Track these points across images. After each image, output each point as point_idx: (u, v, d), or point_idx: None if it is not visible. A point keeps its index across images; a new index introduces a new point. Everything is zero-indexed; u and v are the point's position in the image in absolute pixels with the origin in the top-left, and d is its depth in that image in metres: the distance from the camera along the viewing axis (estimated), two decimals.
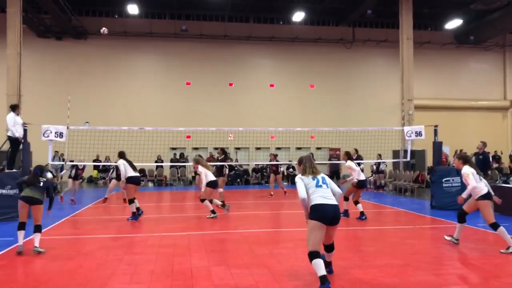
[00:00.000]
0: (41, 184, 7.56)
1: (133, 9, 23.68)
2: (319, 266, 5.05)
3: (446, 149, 22.87)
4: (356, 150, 16.10)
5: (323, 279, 4.98)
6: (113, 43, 25.72)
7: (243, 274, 5.93)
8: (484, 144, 13.29)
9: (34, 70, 24.03)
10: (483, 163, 13.05)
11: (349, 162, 11.10)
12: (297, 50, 27.40)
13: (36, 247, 7.25)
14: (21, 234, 7.35)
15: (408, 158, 14.50)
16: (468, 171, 7.41)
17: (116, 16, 26.31)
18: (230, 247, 7.70)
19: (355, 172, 10.89)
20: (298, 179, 5.45)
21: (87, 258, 6.93)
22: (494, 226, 7.28)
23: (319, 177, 5.48)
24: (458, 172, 11.46)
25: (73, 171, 14.34)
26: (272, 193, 16.50)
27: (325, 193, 5.32)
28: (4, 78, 18.05)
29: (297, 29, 26.89)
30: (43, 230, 7.79)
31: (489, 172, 15.59)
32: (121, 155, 11.17)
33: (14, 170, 11.23)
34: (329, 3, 25.15)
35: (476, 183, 7.35)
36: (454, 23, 25.94)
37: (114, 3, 25.05)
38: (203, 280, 5.67)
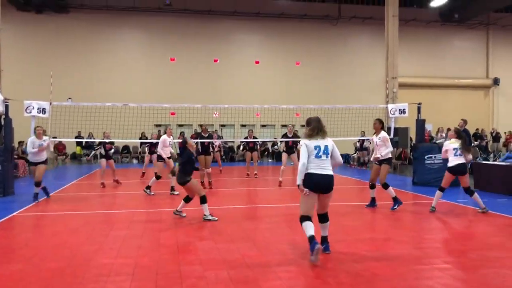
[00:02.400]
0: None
1: None
2: (308, 227, 5.38)
3: (429, 127, 23.22)
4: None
5: (311, 238, 5.29)
6: (95, 17, 25.17)
7: (229, 248, 6.02)
8: (465, 121, 13.55)
9: (14, 45, 23.42)
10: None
11: (383, 134, 9.06)
12: (283, 26, 27.17)
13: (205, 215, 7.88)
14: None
15: (392, 135, 14.64)
16: (447, 145, 8.64)
17: None
18: (216, 222, 7.78)
19: (388, 148, 8.95)
20: (303, 144, 5.55)
21: (73, 233, 6.94)
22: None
23: (323, 145, 5.53)
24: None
25: (102, 150, 13.19)
26: (248, 172, 15.75)
27: (322, 163, 5.48)
28: None
29: (283, 5, 26.62)
30: (27, 206, 7.75)
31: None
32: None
33: None
34: None
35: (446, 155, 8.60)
36: (439, 1, 25.92)
37: None
38: (190, 255, 5.75)
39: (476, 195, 8.44)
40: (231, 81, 26.28)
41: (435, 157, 12.71)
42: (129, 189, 12.61)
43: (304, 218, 5.46)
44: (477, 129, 25.04)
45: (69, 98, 21.42)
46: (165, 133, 11.90)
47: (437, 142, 16.65)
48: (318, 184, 5.45)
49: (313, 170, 5.44)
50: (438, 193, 8.75)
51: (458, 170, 8.40)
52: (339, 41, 27.99)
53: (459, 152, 8.38)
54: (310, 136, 5.61)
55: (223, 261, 5.45)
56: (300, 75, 26.52)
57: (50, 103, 11.97)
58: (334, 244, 5.93)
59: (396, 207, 8.80)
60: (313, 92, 26.48)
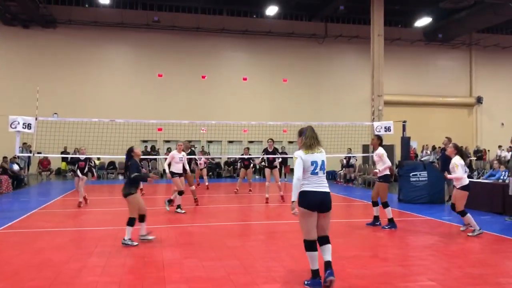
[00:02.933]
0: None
1: None
2: (312, 259, 5.03)
3: (414, 144, 23.49)
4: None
5: (314, 273, 5.03)
6: (83, 32, 25.16)
7: (215, 266, 5.99)
8: (449, 139, 13.77)
9: (0, 59, 23.27)
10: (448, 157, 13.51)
11: (379, 149, 9.01)
12: (270, 44, 27.46)
13: (142, 235, 7.49)
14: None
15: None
16: (458, 162, 8.19)
17: (87, 6, 25.69)
18: (202, 239, 7.73)
19: (385, 164, 8.87)
20: (298, 157, 5.06)
21: (57, 251, 6.84)
22: (462, 214, 8.13)
23: (320, 160, 5.11)
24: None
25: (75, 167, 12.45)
26: (237, 188, 15.37)
27: (319, 180, 5.08)
28: None
29: (270, 23, 26.94)
30: (10, 223, 7.63)
31: None
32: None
33: None
34: None
35: (462, 174, 8.13)
36: (423, 21, 26.57)
37: None
38: (175, 272, 5.70)
39: (469, 215, 8.12)
40: (218, 97, 26.37)
41: (420, 174, 12.84)
42: (115, 205, 12.48)
43: (309, 245, 5.03)
44: (461, 146, 25.39)
45: (55, 113, 21.33)
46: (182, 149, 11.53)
47: (422, 159, 16.84)
48: (316, 204, 5.01)
49: (309, 188, 5.01)
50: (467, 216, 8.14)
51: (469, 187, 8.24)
52: (325, 59, 28.35)
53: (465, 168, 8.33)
54: (308, 147, 5.09)
55: (209, 278, 5.42)
56: (287, 92, 26.73)
57: (36, 118, 11.88)
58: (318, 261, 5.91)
59: (387, 227, 8.66)
60: (300, 109, 26.67)
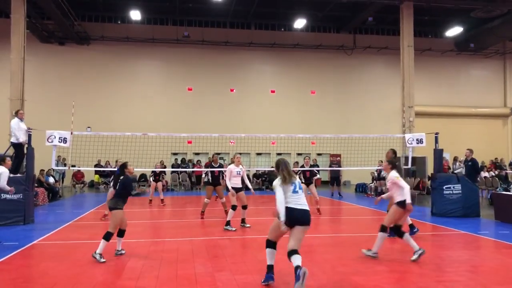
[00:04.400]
0: (118, 186, 7.55)
1: (135, 15, 23.91)
2: (270, 255, 5.78)
3: (446, 156, 22.97)
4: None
5: (269, 268, 5.75)
6: (115, 48, 25.88)
7: (247, 279, 6.00)
8: (471, 151, 13.83)
9: (37, 75, 24.16)
10: (473, 169, 13.41)
11: (391, 174, 7.55)
12: (298, 56, 27.54)
13: (118, 250, 7.55)
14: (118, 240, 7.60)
15: (409, 165, 14.54)
16: (397, 175, 7.44)
17: (119, 22, 26.49)
18: (233, 252, 7.75)
19: (404, 188, 7.27)
20: (279, 187, 5.63)
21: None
22: (398, 233, 7.28)
23: (296, 182, 5.75)
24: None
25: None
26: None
27: (299, 199, 5.67)
28: (8, 83, 18.13)
29: (298, 36, 27.05)
30: (47, 234, 7.85)
31: (478, 178, 15.91)
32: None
33: (18, 175, 11.32)
34: (330, 11, 25.33)
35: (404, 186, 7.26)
36: (454, 31, 26.12)
37: (117, 9, 25.25)
38: (208, 286, 5.74)
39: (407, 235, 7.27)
40: (247, 110, 26.55)
41: (454, 187, 12.56)
42: (146, 217, 12.68)
43: (268, 244, 5.79)
44: (496, 158, 24.70)
45: (89, 127, 21.91)
46: (232, 162, 11.45)
47: (455, 172, 16.47)
48: (298, 219, 5.54)
49: (291, 205, 5.56)
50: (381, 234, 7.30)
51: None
52: (354, 70, 28.20)
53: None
54: (285, 181, 5.65)
55: None
56: (315, 104, 26.68)
57: (71, 133, 12.23)
58: (351, 276, 5.87)
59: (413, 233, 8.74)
60: (328, 121, 26.56)
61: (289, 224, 5.49)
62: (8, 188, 8.97)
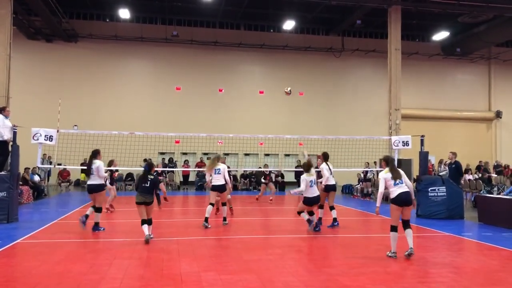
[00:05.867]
0: (148, 184, 8.53)
1: (124, 13, 23.77)
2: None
3: (432, 159, 23.21)
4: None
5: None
6: (103, 46, 25.69)
7: (232, 280, 6.00)
8: (454, 154, 14.19)
9: (23, 73, 23.83)
10: (456, 171, 13.65)
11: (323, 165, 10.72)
12: (287, 58, 27.62)
13: (148, 234, 8.45)
14: (145, 227, 8.54)
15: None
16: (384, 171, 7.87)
17: (107, 20, 26.29)
18: (219, 252, 7.75)
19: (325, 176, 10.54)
20: (304, 177, 9.43)
21: (76, 261, 6.93)
22: (393, 229, 7.57)
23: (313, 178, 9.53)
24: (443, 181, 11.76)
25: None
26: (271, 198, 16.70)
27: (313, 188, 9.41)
28: None
29: (287, 37, 27.12)
30: (31, 233, 7.77)
31: (462, 181, 16.20)
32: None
33: (2, 173, 11.17)
34: (319, 13, 25.45)
35: (392, 187, 7.65)
36: (441, 35, 26.42)
37: (106, 7, 25.06)
38: (193, 285, 5.73)
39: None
40: (235, 110, 26.54)
41: (438, 189, 12.70)
42: (132, 217, 12.58)
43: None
44: (480, 161, 25.02)
45: (75, 125, 21.69)
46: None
47: (440, 174, 16.65)
48: (404, 200, 7.47)
49: (309, 194, 9.34)
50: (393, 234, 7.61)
51: (404, 200, 7.51)
52: (342, 72, 28.38)
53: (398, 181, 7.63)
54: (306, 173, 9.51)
55: None
56: (304, 106, 26.79)
57: (58, 131, 12.11)
58: (337, 276, 5.90)
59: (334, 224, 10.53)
60: (316, 122, 26.67)
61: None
62: None
